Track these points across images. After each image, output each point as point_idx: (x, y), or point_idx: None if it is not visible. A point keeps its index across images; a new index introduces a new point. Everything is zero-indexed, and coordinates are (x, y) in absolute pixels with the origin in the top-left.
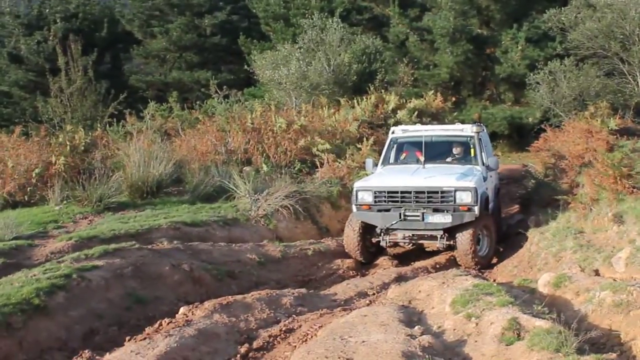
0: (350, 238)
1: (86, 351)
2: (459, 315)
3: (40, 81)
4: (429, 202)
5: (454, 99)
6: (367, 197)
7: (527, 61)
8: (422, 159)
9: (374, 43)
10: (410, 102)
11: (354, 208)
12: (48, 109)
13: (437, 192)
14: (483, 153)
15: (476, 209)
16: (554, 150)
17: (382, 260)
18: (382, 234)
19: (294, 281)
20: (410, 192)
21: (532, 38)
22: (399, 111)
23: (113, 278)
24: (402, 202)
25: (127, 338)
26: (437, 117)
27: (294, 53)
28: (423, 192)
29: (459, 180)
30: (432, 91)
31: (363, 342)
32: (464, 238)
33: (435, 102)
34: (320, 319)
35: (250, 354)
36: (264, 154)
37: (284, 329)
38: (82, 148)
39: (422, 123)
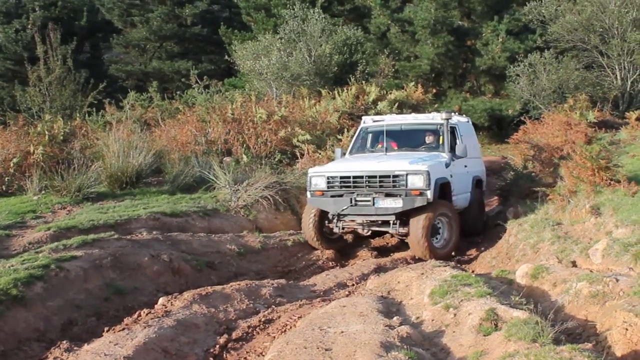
0: (307, 225)
1: (64, 342)
2: (437, 306)
3: (18, 70)
4: (381, 186)
5: (434, 90)
6: (320, 183)
7: (508, 53)
8: (384, 146)
9: (355, 34)
10: (391, 93)
11: (308, 195)
12: (26, 98)
13: (388, 177)
14: (459, 141)
15: (429, 193)
16: (533, 142)
17: (361, 252)
18: (334, 220)
19: (274, 272)
20: (362, 177)
21: (513, 30)
22: (379, 102)
23: (92, 269)
24: (354, 187)
25: (106, 329)
26: (417, 109)
27: (275, 43)
28: (375, 177)
29: (411, 164)
30: (413, 83)
31: (342, 332)
32: (416, 224)
33: (416, 94)
34: (300, 309)
35: (230, 345)
36: (244, 145)
37: (263, 319)
38: (61, 138)
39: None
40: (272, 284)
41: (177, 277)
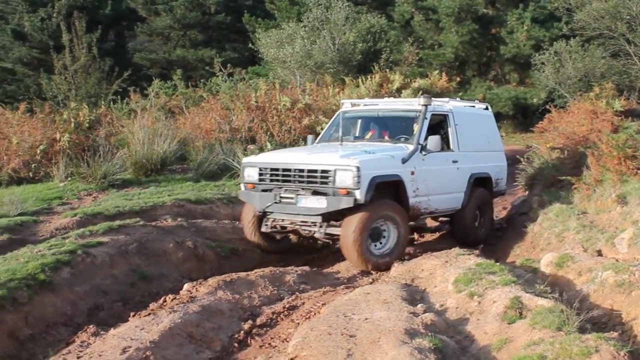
0: (245, 221)
1: (91, 326)
2: (461, 294)
3: (44, 58)
4: (309, 183)
5: (458, 79)
6: (252, 175)
7: (533, 41)
8: (340, 135)
9: (379, 22)
10: (414, 81)
11: (241, 187)
12: (52, 86)
13: (316, 172)
14: (451, 131)
15: (358, 193)
16: (558, 131)
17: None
18: (264, 218)
19: (297, 259)
20: (290, 170)
21: (538, 18)
22: (403, 91)
23: (117, 254)
24: (283, 181)
25: (132, 314)
26: (441, 97)
27: (299, 32)
28: (303, 171)
29: (342, 158)
30: (437, 71)
31: (366, 319)
32: (348, 227)
33: (440, 82)
34: (324, 296)
35: (254, 331)
36: (268, 133)
37: (287, 306)
38: (87, 125)
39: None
40: (296, 271)
41: (202, 263)
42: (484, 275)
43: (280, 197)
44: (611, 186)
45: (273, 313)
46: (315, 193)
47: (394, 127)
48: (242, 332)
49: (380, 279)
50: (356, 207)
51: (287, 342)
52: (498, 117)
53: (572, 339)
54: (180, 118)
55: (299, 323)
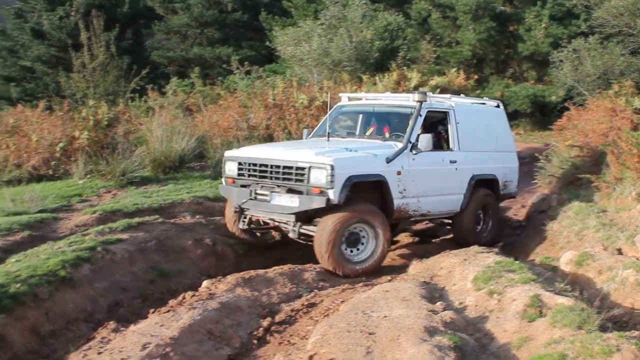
0: (227, 216)
1: (111, 322)
2: (480, 292)
3: (62, 56)
4: (284, 179)
5: (476, 76)
6: (232, 169)
7: (551, 39)
8: (327, 130)
9: (396, 20)
10: (432, 79)
11: (223, 181)
12: (71, 84)
13: (291, 168)
14: (451, 129)
15: (331, 193)
16: (577, 129)
17: (403, 237)
18: (242, 214)
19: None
20: (267, 166)
21: (556, 15)
22: (420, 88)
23: (137, 251)
24: (260, 177)
25: (151, 310)
26: (459, 95)
27: (316, 29)
28: (279, 167)
29: (317, 156)
30: (455, 69)
31: (385, 317)
32: (322, 230)
33: (457, 80)
34: (342, 294)
35: (273, 328)
36: (286, 130)
37: (306, 303)
38: (105, 123)
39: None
40: (315, 269)
41: (220, 261)
42: (503, 273)
43: (256, 194)
44: (631, 184)
45: (292, 310)
46: (290, 191)
47: (388, 124)
48: (261, 329)
49: (398, 277)
50: (332, 209)
51: (306, 339)
52: (516, 115)
53: (593, 337)
54: (198, 116)
55: (317, 320)
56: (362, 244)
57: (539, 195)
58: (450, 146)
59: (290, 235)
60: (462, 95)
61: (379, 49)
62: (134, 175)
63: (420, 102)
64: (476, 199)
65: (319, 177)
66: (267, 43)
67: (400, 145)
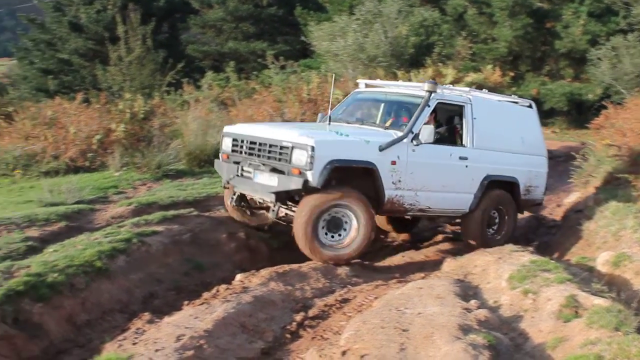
0: (225, 194)
1: (146, 314)
2: (515, 291)
3: (99, 49)
4: (269, 158)
5: (512, 73)
6: (227, 144)
7: (589, 36)
8: (329, 115)
9: (432, 15)
10: (467, 76)
11: (220, 156)
12: (107, 77)
13: (276, 147)
14: (465, 123)
15: (310, 174)
16: (615, 127)
17: (437, 235)
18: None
19: None
20: (255, 144)
21: (595, 12)
22: (455, 85)
23: (172, 244)
24: (249, 154)
25: (186, 302)
26: (494, 92)
27: (351, 25)
28: (265, 145)
29: (301, 136)
30: (490, 65)
31: (419, 314)
32: (299, 212)
33: (493, 77)
34: (376, 290)
35: (306, 322)
36: None
37: (339, 298)
38: (142, 116)
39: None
40: (349, 264)
41: (254, 254)
42: (538, 272)
43: (242, 171)
44: None
45: (325, 305)
46: (273, 170)
47: (399, 112)
48: (294, 323)
49: (432, 274)
50: (314, 192)
51: (339, 334)
52: (552, 113)
53: (631, 339)
54: (233, 110)
55: (351, 316)
56: (345, 229)
57: (575, 194)
58: (463, 142)
59: (270, 215)
60: (484, 90)
61: (415, 44)
62: (169, 168)
63: (430, 92)
64: (489, 200)
65: (299, 158)
66: (302, 38)
67: (398, 133)
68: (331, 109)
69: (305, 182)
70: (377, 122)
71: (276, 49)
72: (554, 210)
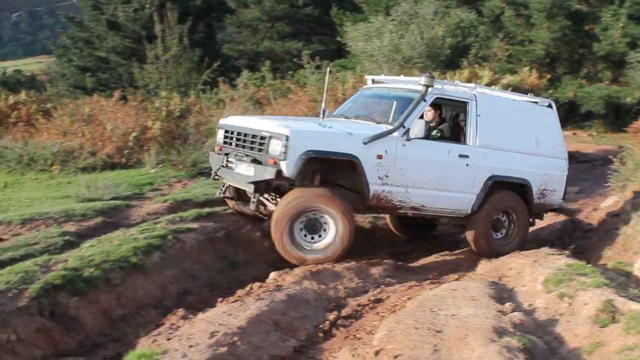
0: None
1: (180, 310)
2: (551, 295)
3: (136, 48)
4: (251, 149)
5: (549, 76)
6: (220, 137)
7: (628, 39)
8: (323, 107)
9: (469, 17)
10: (504, 78)
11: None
12: (144, 75)
13: (256, 137)
14: (469, 120)
15: (283, 165)
16: None
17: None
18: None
19: (383, 252)
20: (241, 134)
21: (634, 15)
22: (492, 87)
23: (206, 241)
24: (236, 145)
25: (219, 299)
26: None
27: (387, 25)
28: (247, 136)
29: (279, 126)
30: (527, 68)
31: (453, 315)
32: (277, 209)
33: (530, 79)
34: (409, 290)
35: (339, 321)
36: None
37: (372, 298)
38: (177, 114)
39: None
40: (382, 264)
41: None
42: (574, 276)
43: (227, 161)
44: None
45: (358, 305)
46: (254, 161)
47: (401, 108)
48: (327, 322)
49: (466, 276)
50: (292, 188)
51: (372, 334)
52: (589, 116)
53: None
54: (268, 109)
55: (384, 316)
56: (324, 230)
57: (612, 198)
58: (466, 139)
59: (251, 207)
60: (493, 87)
61: (451, 46)
62: (205, 166)
63: (426, 86)
64: (495, 202)
65: (275, 148)
66: (338, 38)
67: (389, 127)
68: (325, 103)
69: (279, 172)
70: (378, 117)
71: (311, 48)
72: (590, 214)
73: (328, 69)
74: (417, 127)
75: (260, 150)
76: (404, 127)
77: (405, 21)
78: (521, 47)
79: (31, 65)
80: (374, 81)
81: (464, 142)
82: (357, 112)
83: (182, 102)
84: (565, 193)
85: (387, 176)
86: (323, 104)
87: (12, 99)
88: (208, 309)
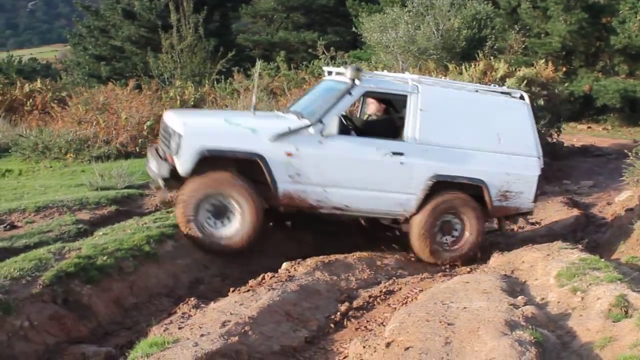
0: None
1: (192, 299)
2: (563, 288)
3: (151, 37)
4: (166, 145)
5: (564, 69)
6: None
7: None
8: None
9: (485, 9)
10: (519, 70)
11: None
12: (159, 64)
13: (167, 132)
14: (409, 115)
15: (177, 161)
16: None
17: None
18: None
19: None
20: (163, 130)
21: None
22: (507, 79)
23: None
24: (162, 141)
25: (231, 289)
26: (546, 87)
27: (403, 16)
28: (165, 131)
29: (179, 122)
30: (543, 60)
31: (464, 308)
32: (179, 197)
33: (545, 72)
34: (421, 283)
35: (350, 313)
36: None
37: (384, 290)
38: (192, 103)
39: (531, 93)
40: (394, 256)
41: (299, 244)
42: (587, 270)
43: (149, 157)
44: None
45: (370, 296)
46: (161, 157)
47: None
48: (338, 313)
49: (478, 269)
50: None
51: (384, 326)
52: (604, 109)
53: None
54: (282, 99)
55: (395, 308)
56: (231, 217)
57: (627, 192)
58: (403, 136)
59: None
60: (443, 77)
61: (466, 38)
62: None
63: (352, 80)
64: (440, 204)
65: (172, 144)
66: (353, 29)
67: (306, 122)
68: (255, 98)
69: (172, 169)
70: (312, 111)
71: (326, 39)
72: (604, 208)
73: (258, 65)
74: (330, 124)
75: (167, 146)
76: (322, 123)
77: (421, 12)
78: (537, 39)
79: (47, 53)
80: (329, 73)
81: (398, 137)
82: (301, 106)
83: (197, 92)
84: (536, 195)
85: (298, 174)
86: (253, 99)
87: (27, 87)
88: (220, 298)
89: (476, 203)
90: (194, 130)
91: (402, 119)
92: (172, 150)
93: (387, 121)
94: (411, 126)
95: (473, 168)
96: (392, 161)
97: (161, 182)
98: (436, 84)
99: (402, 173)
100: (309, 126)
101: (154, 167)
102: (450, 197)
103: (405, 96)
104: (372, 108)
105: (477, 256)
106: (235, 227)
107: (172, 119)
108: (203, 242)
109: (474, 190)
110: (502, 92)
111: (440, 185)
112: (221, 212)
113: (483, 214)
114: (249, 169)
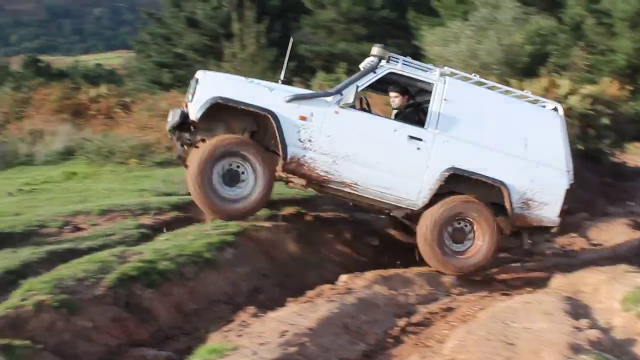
0: None
1: (251, 307)
2: (629, 313)
3: (213, 45)
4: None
5: (630, 87)
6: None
7: None
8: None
9: (549, 24)
10: (583, 87)
11: None
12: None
13: (193, 84)
14: (435, 102)
15: (191, 106)
16: None
17: (544, 248)
18: None
19: None
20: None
21: None
22: (570, 97)
23: (278, 240)
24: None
25: (290, 299)
26: (611, 106)
27: (465, 30)
28: (191, 83)
29: (202, 71)
30: (608, 78)
31: (526, 328)
32: (193, 157)
33: (610, 90)
34: (481, 301)
35: (408, 328)
36: None
37: (443, 307)
38: None
39: (595, 111)
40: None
41: (358, 256)
42: None
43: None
44: None
45: (428, 312)
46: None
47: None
48: (396, 328)
49: (540, 289)
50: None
51: (442, 343)
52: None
53: None
54: None
55: (454, 325)
56: (243, 180)
57: None
58: (425, 123)
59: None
60: (474, 75)
61: (529, 53)
62: None
63: (379, 57)
64: (452, 201)
65: (190, 90)
66: (414, 42)
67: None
68: (284, 73)
69: (183, 113)
70: (338, 86)
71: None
72: None
73: (291, 40)
74: (348, 95)
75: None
76: (341, 94)
77: (484, 27)
78: (602, 56)
79: (111, 59)
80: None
81: (419, 124)
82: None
83: None
84: (562, 210)
85: (310, 141)
86: (283, 73)
87: (93, 92)
88: (278, 308)
89: (492, 212)
90: (212, 78)
91: (425, 109)
92: (188, 97)
93: (418, 111)
94: (434, 115)
95: (493, 167)
96: (409, 145)
97: (170, 133)
98: (466, 78)
99: (418, 159)
100: (327, 95)
101: (170, 117)
102: (468, 200)
103: (431, 84)
104: (396, 102)
105: (487, 269)
106: (249, 189)
107: (199, 72)
108: (217, 208)
109: (493, 195)
110: (535, 101)
111: (456, 183)
112: (234, 177)
113: (499, 224)
114: (266, 136)
